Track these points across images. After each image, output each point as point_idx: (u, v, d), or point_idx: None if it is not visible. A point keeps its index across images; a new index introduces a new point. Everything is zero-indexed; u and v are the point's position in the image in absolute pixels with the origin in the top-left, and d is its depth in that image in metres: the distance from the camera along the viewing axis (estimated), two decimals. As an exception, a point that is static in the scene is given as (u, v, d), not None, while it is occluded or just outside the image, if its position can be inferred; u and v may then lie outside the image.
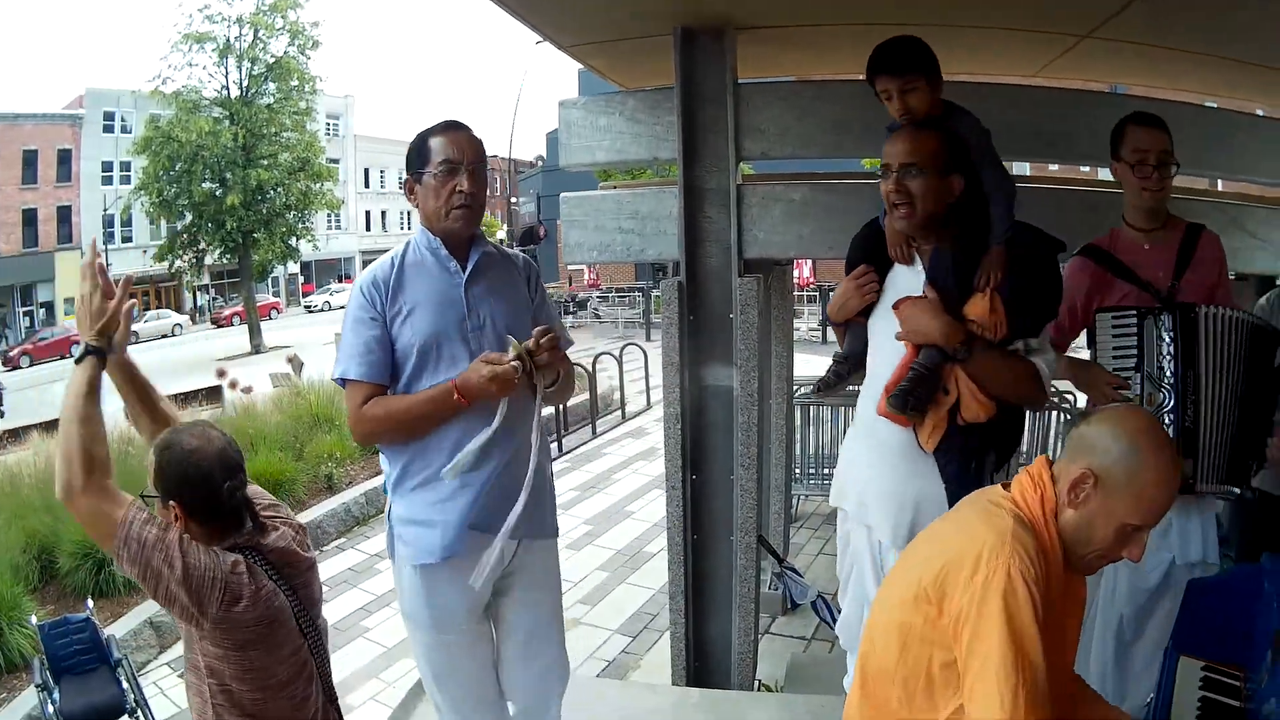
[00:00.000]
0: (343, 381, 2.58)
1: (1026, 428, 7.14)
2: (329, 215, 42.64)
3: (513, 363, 2.42)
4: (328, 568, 7.97)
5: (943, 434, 2.48)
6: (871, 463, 2.70)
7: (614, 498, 9.62)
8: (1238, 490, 2.82)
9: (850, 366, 2.80)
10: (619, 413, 14.61)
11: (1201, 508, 2.87)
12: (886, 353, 2.58)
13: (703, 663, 3.97)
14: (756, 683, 4.12)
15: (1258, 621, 2.30)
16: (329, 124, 46.16)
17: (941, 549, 1.79)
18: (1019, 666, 1.60)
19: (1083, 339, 3.04)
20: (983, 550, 1.69)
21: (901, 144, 2.45)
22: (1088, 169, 4.72)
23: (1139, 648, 2.90)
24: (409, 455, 2.58)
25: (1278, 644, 2.02)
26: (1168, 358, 2.72)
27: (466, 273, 2.60)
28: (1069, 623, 1.91)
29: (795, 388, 6.38)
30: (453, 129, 2.53)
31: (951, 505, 2.36)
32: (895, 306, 2.53)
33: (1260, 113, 5.42)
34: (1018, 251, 2.48)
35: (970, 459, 2.48)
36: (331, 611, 6.80)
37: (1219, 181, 6.11)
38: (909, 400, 2.43)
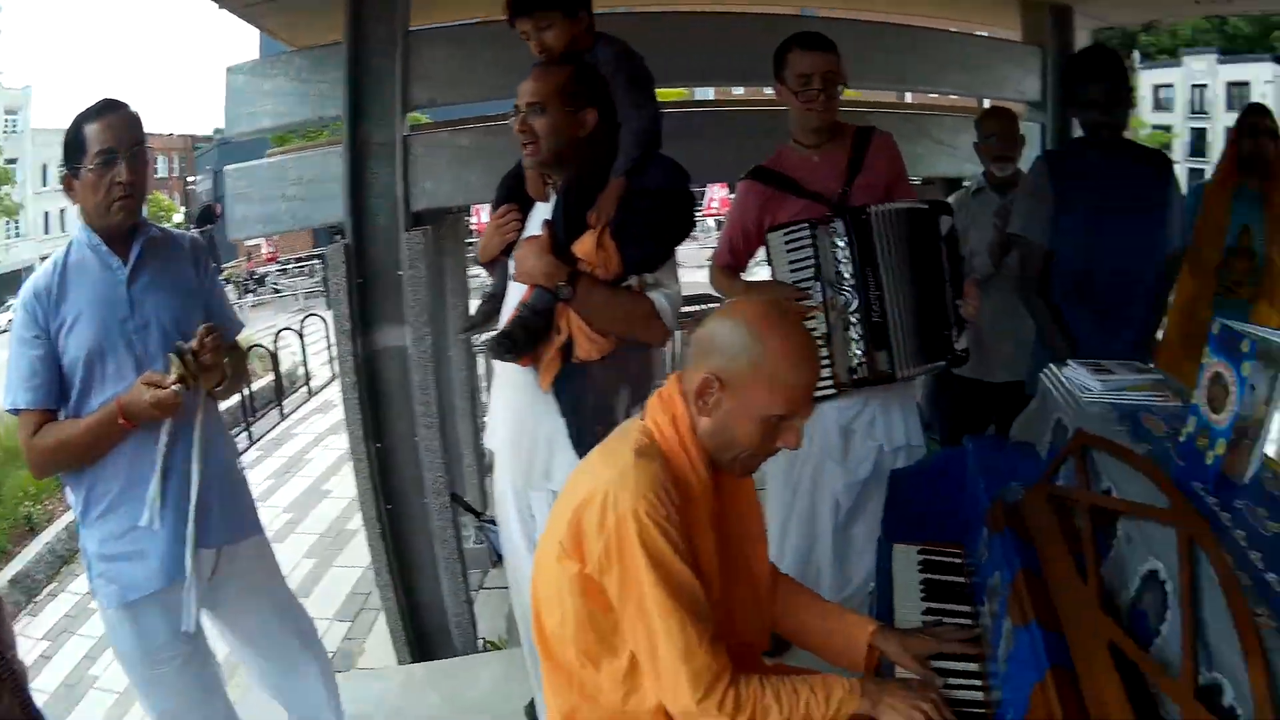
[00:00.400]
0: (15, 411, 2.33)
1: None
2: (6, 222, 38.88)
3: (174, 386, 2.22)
4: (43, 621, 7.37)
5: (557, 372, 2.46)
6: (503, 404, 2.71)
7: (310, 479, 9.33)
8: (943, 363, 2.91)
9: (496, 305, 2.71)
10: (305, 389, 14.00)
11: (902, 397, 2.97)
12: (514, 293, 2.54)
13: (422, 634, 3.88)
14: (480, 642, 4.05)
15: (967, 501, 2.35)
16: (6, 120, 42.16)
17: (571, 497, 1.68)
18: (676, 602, 1.55)
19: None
20: (606, 493, 1.59)
21: (528, 83, 2.40)
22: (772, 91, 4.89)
23: (857, 537, 2.99)
24: (88, 482, 2.36)
25: (990, 520, 2.03)
26: (844, 261, 2.75)
27: (129, 267, 2.37)
28: (749, 528, 1.87)
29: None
30: (107, 112, 2.29)
31: (575, 443, 2.46)
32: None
33: (953, 29, 5.78)
34: (637, 185, 2.46)
35: (588, 395, 2.47)
36: (57, 668, 6.37)
37: (907, 94, 6.45)
38: (505, 343, 2.42)
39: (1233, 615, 1.25)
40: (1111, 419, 2.10)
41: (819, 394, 2.75)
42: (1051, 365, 2.51)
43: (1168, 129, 40.03)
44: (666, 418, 1.71)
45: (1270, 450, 1.81)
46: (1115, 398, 2.23)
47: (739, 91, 8.39)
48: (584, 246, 2.40)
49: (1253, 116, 3.66)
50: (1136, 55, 40.53)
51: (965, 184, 4.35)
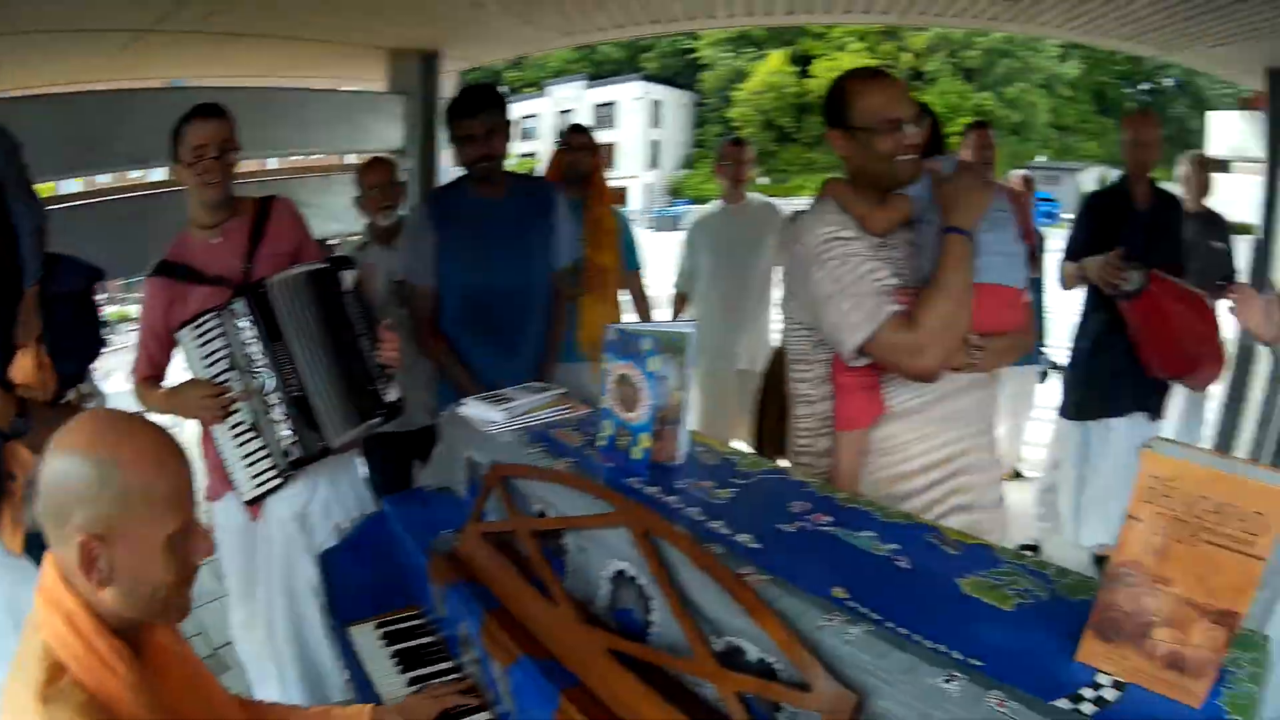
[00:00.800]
0: None
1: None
2: None
3: None
4: None
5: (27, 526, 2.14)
6: None
7: None
8: (377, 418, 2.79)
9: None
10: None
11: (343, 465, 2.88)
12: None
13: None
14: None
15: (403, 560, 2.30)
16: None
17: None
18: None
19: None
20: None
21: None
22: (139, 174, 4.49)
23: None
24: None
25: (433, 574, 2.01)
26: (253, 342, 2.57)
27: None
28: (192, 680, 1.53)
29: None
30: None
31: None
32: None
33: (316, 87, 5.74)
34: (51, 291, 2.24)
35: None
36: None
37: (270, 161, 6.35)
38: None
39: (720, 584, 1.32)
40: (524, 443, 2.14)
41: (265, 488, 2.61)
42: (449, 406, 2.57)
43: (532, 155, 43.83)
44: (60, 619, 1.32)
45: (691, 425, 1.95)
46: (522, 422, 2.29)
47: (105, 179, 7.83)
48: (23, 369, 2.13)
49: (571, 135, 4.13)
50: (505, 90, 44.10)
51: (331, 242, 4.36)
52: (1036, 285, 5.01)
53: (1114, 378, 3.88)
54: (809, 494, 1.73)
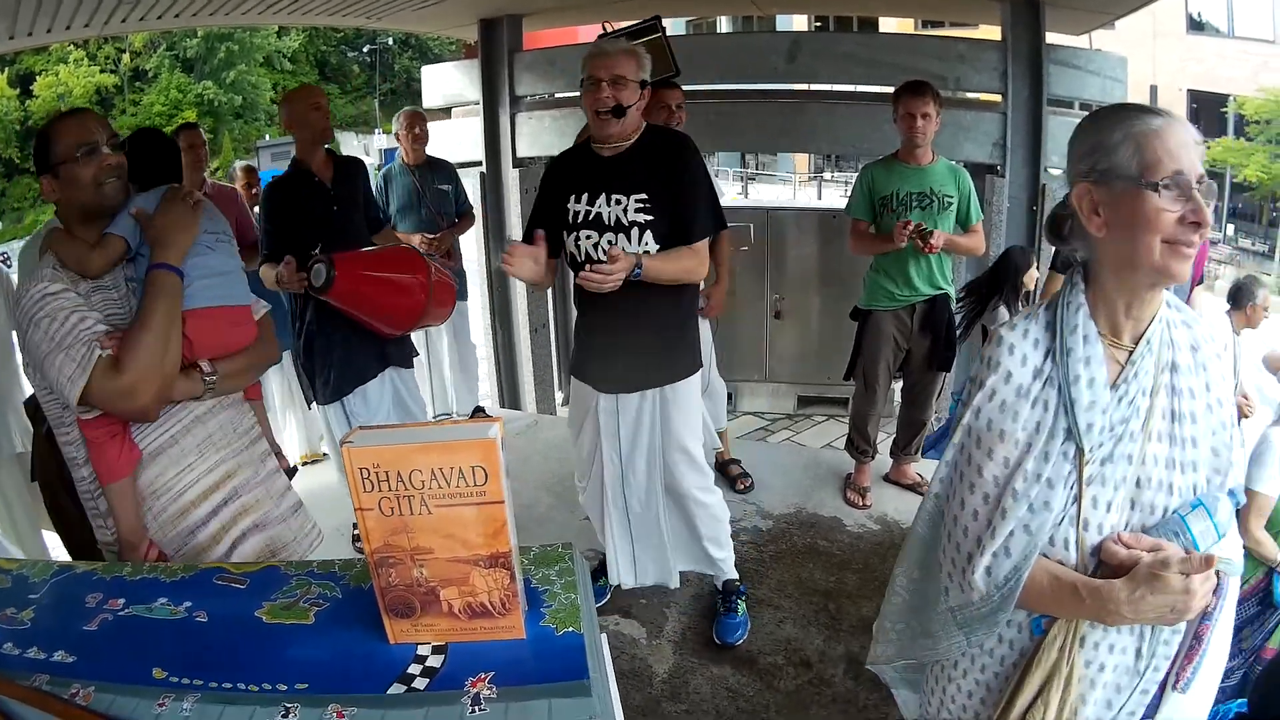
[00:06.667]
0: None
1: None
2: None
3: None
4: None
5: None
6: None
7: None
8: None
9: None
10: None
11: None
12: None
13: None
14: None
15: None
16: None
17: None
18: None
19: None
20: None
21: None
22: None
23: None
24: None
25: None
26: None
27: None
28: None
29: None
30: None
31: None
32: None
33: None
34: None
35: None
36: None
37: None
38: None
39: (61, 717, 1.27)
40: None
41: None
42: None
43: None
44: None
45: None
46: None
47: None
48: None
49: None
50: None
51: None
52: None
53: (351, 353, 3.79)
54: (99, 581, 1.65)
